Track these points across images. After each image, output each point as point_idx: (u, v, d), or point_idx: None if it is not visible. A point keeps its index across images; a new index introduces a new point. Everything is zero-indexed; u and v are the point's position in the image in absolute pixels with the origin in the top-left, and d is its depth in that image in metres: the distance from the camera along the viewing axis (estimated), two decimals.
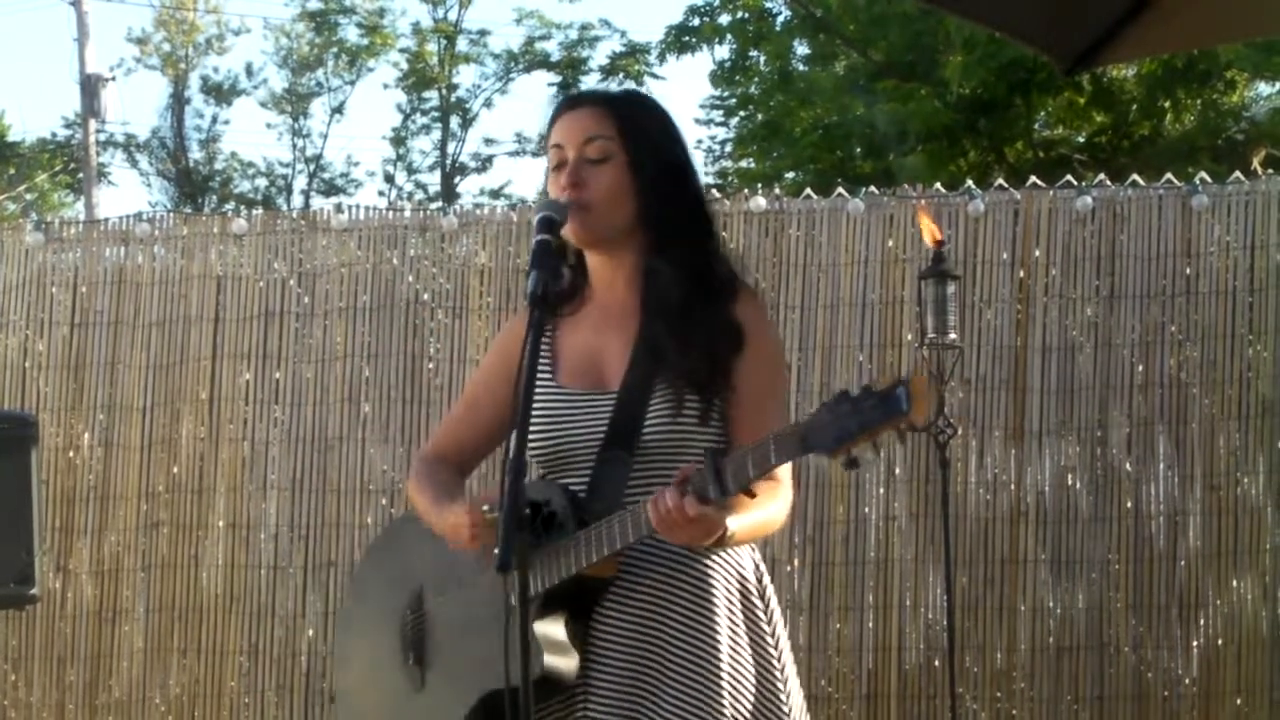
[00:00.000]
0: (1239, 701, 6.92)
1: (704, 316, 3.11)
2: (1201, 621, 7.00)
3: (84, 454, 7.46)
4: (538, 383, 3.10)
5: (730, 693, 3.05)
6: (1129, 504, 7.02)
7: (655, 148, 3.19)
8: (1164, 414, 7.03)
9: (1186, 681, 6.96)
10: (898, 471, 7.01)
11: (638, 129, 3.18)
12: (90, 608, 7.40)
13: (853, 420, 2.68)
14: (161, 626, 7.36)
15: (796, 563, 7.09)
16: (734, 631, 3.10)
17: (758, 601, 3.18)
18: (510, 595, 2.77)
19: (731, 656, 3.07)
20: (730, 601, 3.12)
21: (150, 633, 7.37)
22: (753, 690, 3.10)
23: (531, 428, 3.11)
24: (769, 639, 3.16)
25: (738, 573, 3.15)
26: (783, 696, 3.14)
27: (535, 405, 3.10)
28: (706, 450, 2.88)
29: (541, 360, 3.16)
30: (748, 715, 3.07)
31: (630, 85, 22.30)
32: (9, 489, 5.15)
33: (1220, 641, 6.97)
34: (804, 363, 7.16)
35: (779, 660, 3.16)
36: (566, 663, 2.98)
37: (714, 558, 3.10)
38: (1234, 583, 7.00)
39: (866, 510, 7.08)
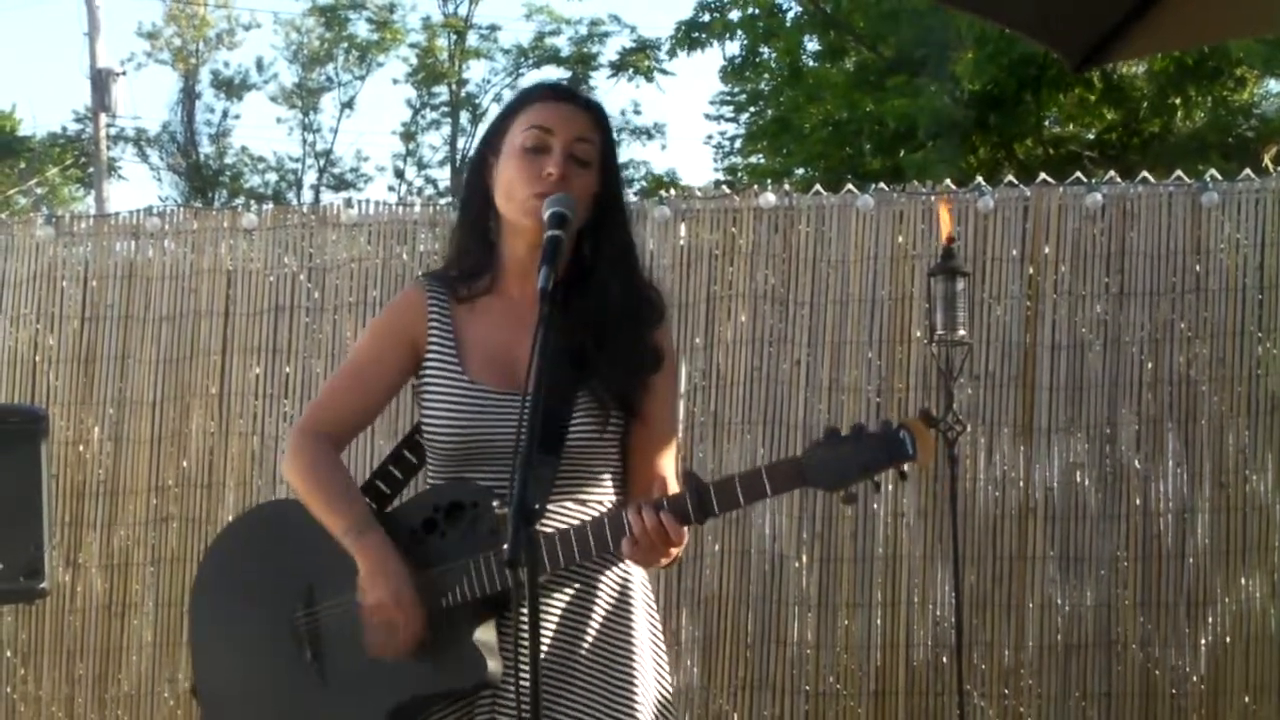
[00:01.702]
0: (1247, 700, 6.91)
1: (630, 336, 3.16)
2: (1210, 619, 6.99)
3: (94, 448, 7.47)
4: (445, 373, 3.17)
5: (641, 694, 3.14)
6: (1138, 501, 7.01)
7: (617, 166, 3.26)
8: (1173, 411, 7.02)
9: (1194, 679, 6.95)
10: (906, 468, 6.99)
11: (611, 145, 3.24)
12: (100, 601, 7.41)
13: (853, 461, 2.84)
14: (171, 620, 7.36)
15: (805, 559, 7.08)
16: (642, 637, 3.19)
17: (650, 595, 3.28)
18: (519, 590, 2.78)
19: (641, 660, 3.16)
20: (641, 607, 3.21)
21: (160, 627, 7.38)
22: (654, 686, 3.20)
23: (438, 420, 3.15)
24: (659, 634, 3.27)
25: (641, 576, 3.23)
26: (670, 688, 3.26)
27: (443, 398, 3.15)
28: (688, 473, 2.97)
29: (445, 348, 3.20)
30: (652, 711, 3.17)
31: (635, 82, 22.40)
32: (19, 483, 5.14)
33: (1228, 639, 6.96)
34: (813, 358, 7.15)
35: (666, 659, 3.29)
36: (497, 666, 3.01)
37: (629, 566, 3.17)
38: (1243, 580, 6.99)
39: (875, 507, 7.07)
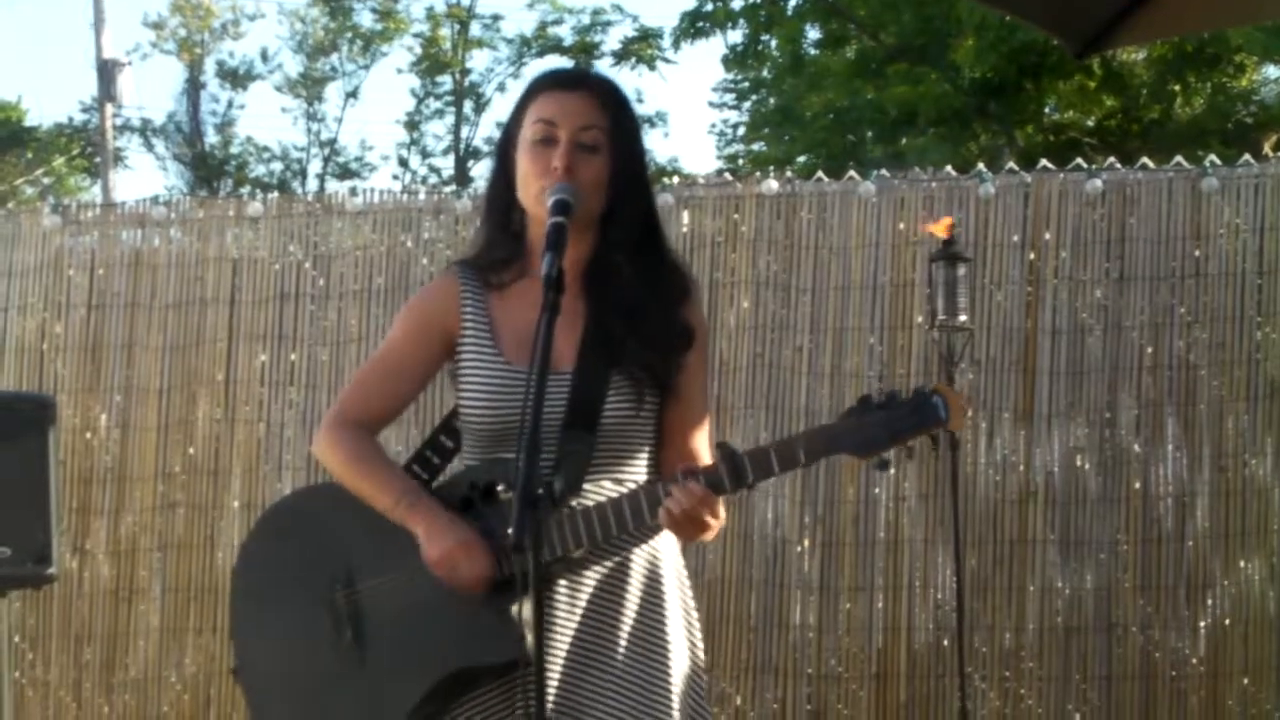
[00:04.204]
0: (1246, 681, 6.96)
1: (659, 314, 3.18)
2: (1209, 602, 7.03)
3: (101, 435, 7.52)
4: (480, 356, 3.19)
5: (675, 670, 3.16)
6: (1137, 485, 7.05)
7: (634, 147, 3.24)
8: (1173, 396, 7.05)
9: (1194, 661, 7.00)
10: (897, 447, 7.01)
11: (624, 126, 3.21)
12: (107, 587, 7.46)
13: (885, 428, 2.86)
14: (177, 606, 7.41)
15: (807, 543, 7.12)
16: (674, 613, 3.20)
17: (685, 577, 3.30)
18: (524, 573, 2.80)
19: (674, 635, 3.18)
20: (674, 584, 3.23)
21: (166, 612, 7.42)
22: (687, 663, 3.22)
23: (474, 402, 3.18)
24: (693, 610, 3.29)
25: (673, 553, 3.25)
26: (703, 664, 3.28)
27: (478, 380, 3.17)
28: (721, 444, 2.99)
29: (479, 332, 3.22)
30: (685, 690, 3.18)
31: (638, 70, 22.41)
32: (27, 470, 5.18)
33: (1228, 622, 7.00)
34: (815, 345, 7.19)
35: (700, 636, 3.30)
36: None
37: (660, 542, 3.19)
38: (1241, 563, 7.03)
39: (876, 491, 7.11)
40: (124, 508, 7.46)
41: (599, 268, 3.19)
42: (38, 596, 7.32)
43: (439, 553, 3.06)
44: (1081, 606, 7.03)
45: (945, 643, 7.02)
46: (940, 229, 6.53)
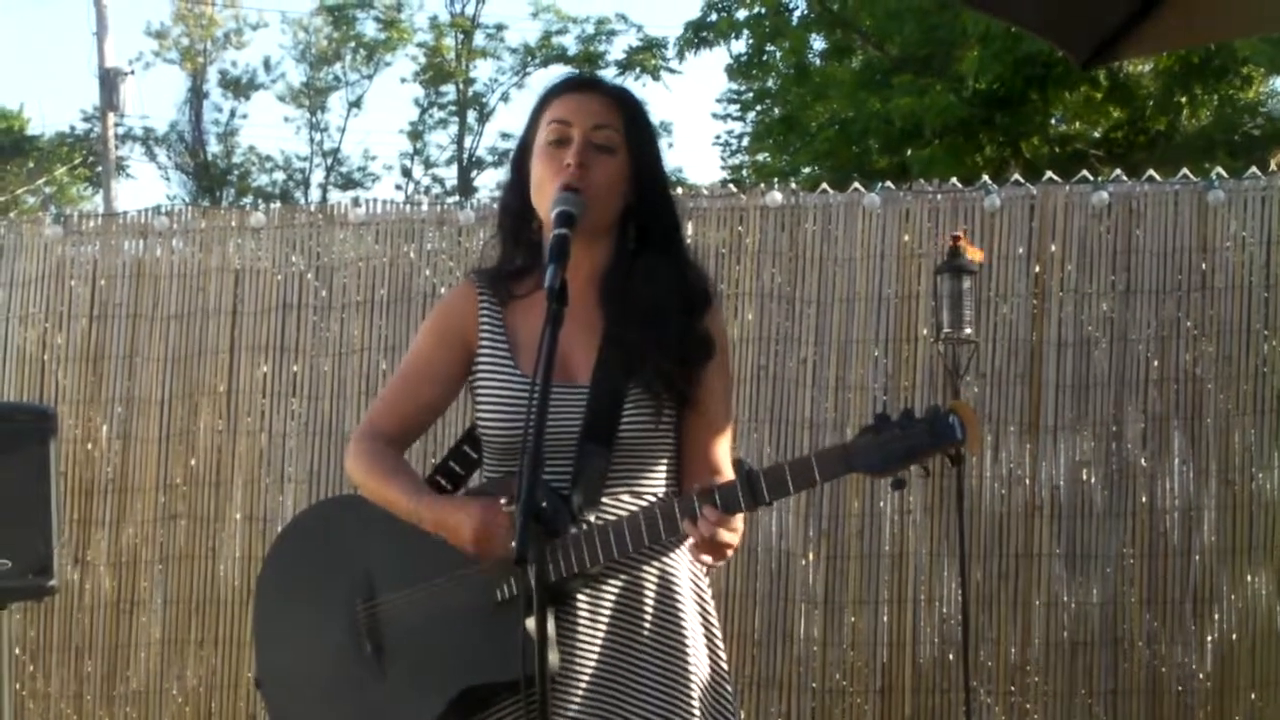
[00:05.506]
0: (1253, 697, 6.93)
1: (679, 325, 3.14)
2: (1216, 616, 7.00)
3: (102, 446, 7.49)
4: (497, 368, 3.17)
5: (696, 682, 3.12)
6: (1144, 499, 7.03)
7: (650, 149, 3.22)
8: (1179, 409, 7.03)
9: (1200, 677, 6.97)
10: (913, 466, 6.99)
11: (640, 129, 3.20)
12: (108, 599, 7.43)
13: (900, 445, 2.86)
14: (179, 618, 7.39)
15: (811, 556, 7.10)
16: (693, 625, 3.17)
17: (705, 588, 3.26)
18: (528, 587, 2.77)
19: (694, 647, 3.15)
20: (690, 595, 3.19)
21: (168, 624, 7.40)
22: (708, 674, 3.18)
23: (491, 414, 3.15)
24: (715, 625, 3.25)
25: (690, 566, 3.21)
26: (727, 680, 3.23)
27: (496, 392, 3.15)
28: (737, 461, 2.96)
29: (496, 344, 3.20)
30: (709, 702, 3.15)
31: (642, 80, 22.43)
32: (28, 481, 5.16)
33: (1234, 637, 6.98)
34: (820, 357, 7.16)
35: (722, 646, 3.26)
36: (555, 658, 2.99)
37: (673, 555, 3.15)
38: (1248, 578, 7.00)
39: (882, 504, 7.08)
40: (125, 519, 7.44)
41: (617, 276, 3.17)
42: (38, 608, 7.30)
43: (474, 526, 3.02)
44: (1087, 621, 7.00)
45: (950, 657, 6.99)
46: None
